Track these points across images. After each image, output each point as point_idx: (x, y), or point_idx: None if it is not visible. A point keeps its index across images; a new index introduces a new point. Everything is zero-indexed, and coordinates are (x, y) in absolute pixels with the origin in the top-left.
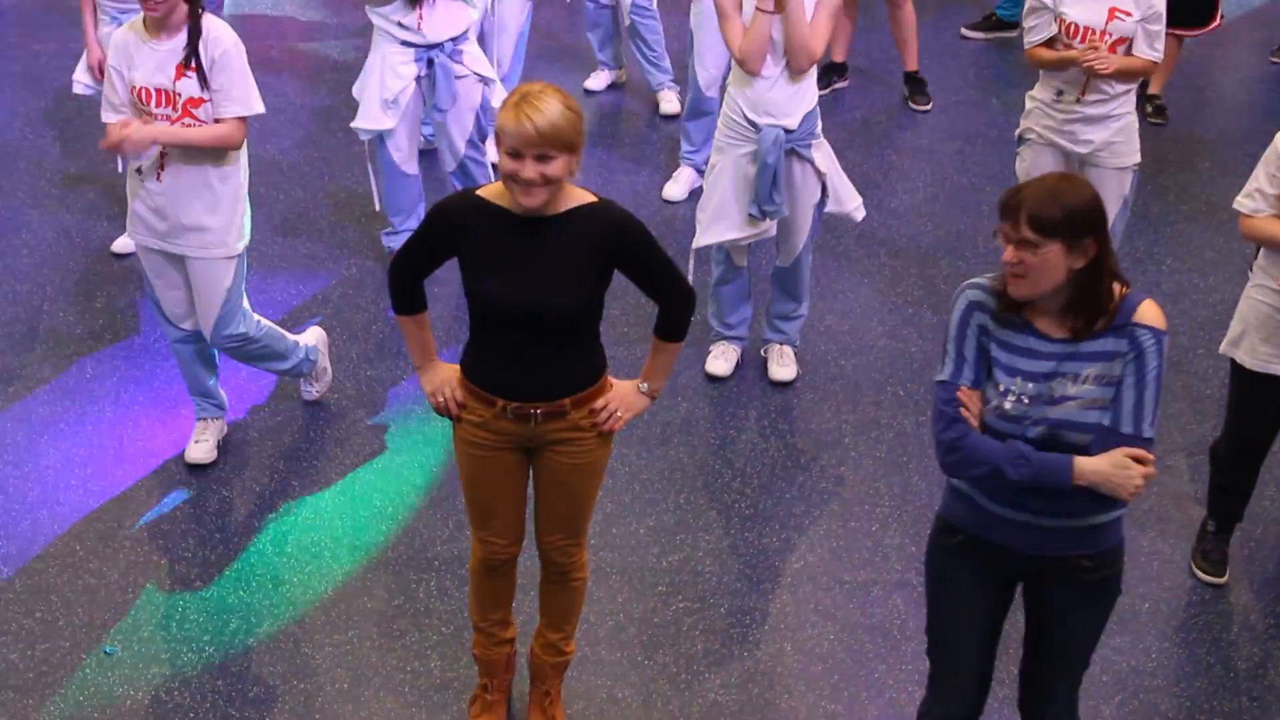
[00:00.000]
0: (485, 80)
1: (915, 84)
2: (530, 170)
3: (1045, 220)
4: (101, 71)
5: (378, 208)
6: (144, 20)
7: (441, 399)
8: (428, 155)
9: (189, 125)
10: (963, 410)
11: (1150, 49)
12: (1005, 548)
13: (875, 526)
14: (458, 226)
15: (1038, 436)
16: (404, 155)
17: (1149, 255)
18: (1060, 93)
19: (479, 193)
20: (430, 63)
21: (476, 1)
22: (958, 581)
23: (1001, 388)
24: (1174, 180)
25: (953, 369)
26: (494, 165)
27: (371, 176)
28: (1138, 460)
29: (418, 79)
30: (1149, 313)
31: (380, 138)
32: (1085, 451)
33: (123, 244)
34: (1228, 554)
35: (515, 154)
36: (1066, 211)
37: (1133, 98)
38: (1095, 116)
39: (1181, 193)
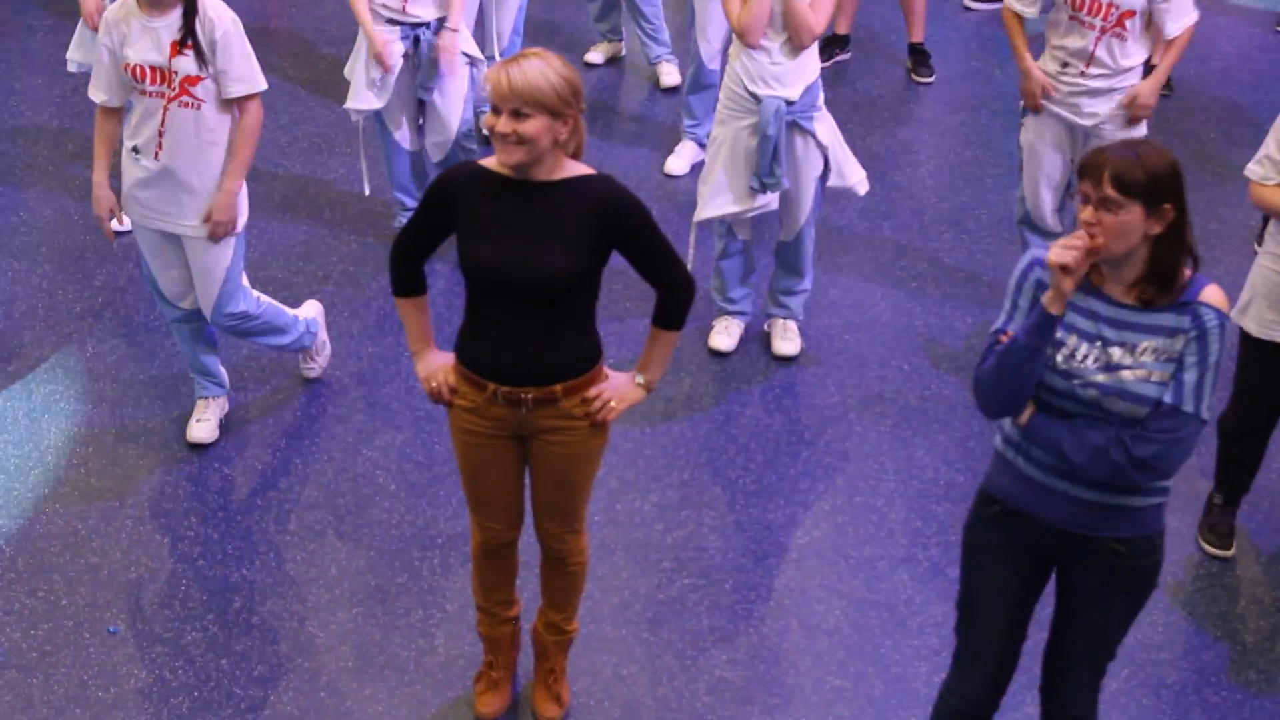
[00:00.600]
0: (473, 61)
1: (919, 55)
2: (505, 124)
3: (1128, 180)
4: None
5: (366, 192)
6: None
7: (435, 384)
8: None
9: (187, 104)
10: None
11: (1174, 24)
12: (1040, 523)
13: (880, 501)
14: (454, 193)
15: (1089, 400)
16: (404, 133)
17: None
18: (1065, 65)
19: (480, 161)
20: (417, 41)
21: None
22: (991, 552)
23: (1055, 339)
24: (1179, 151)
25: (1004, 318)
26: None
27: (362, 159)
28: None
29: (405, 57)
30: (1214, 295)
31: (378, 117)
32: (1135, 422)
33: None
34: (1235, 528)
35: (496, 109)
36: (1149, 173)
37: (1139, 71)
38: (1101, 90)
39: (1186, 164)
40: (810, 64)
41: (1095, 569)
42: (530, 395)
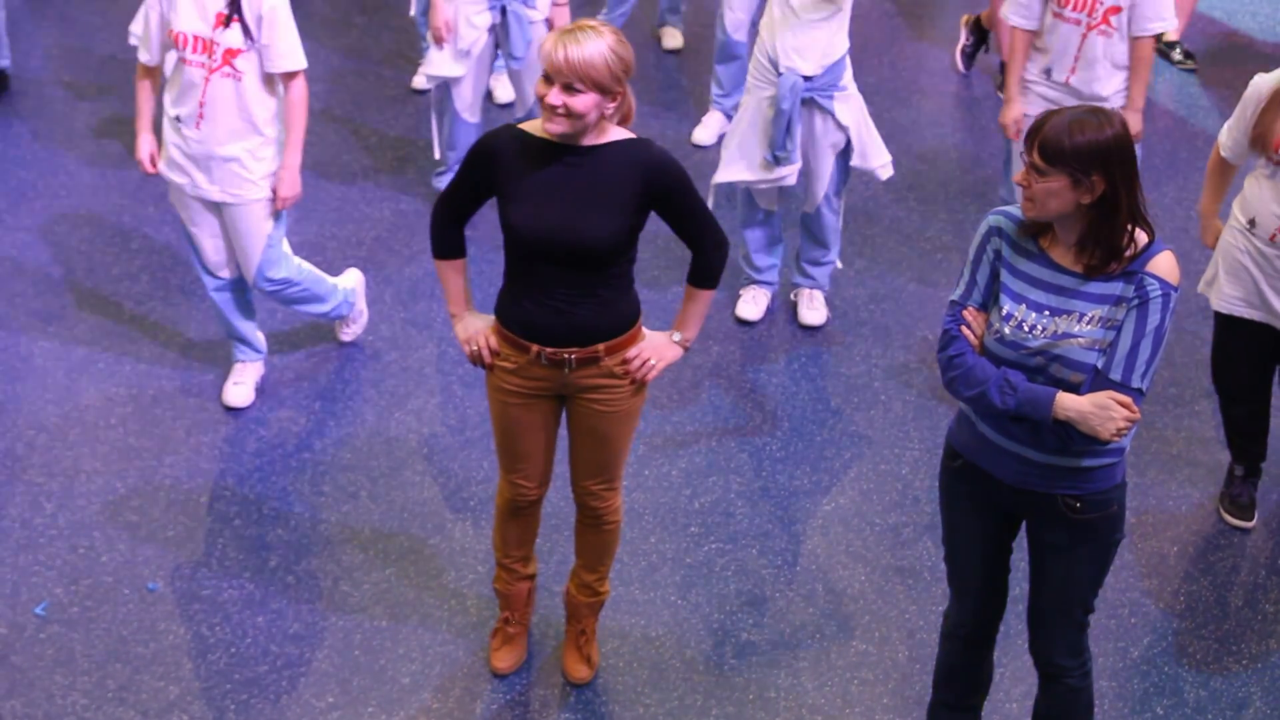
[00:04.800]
0: None
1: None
2: (555, 97)
3: (1052, 150)
4: None
5: (438, 156)
6: None
7: (475, 347)
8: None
9: (228, 75)
10: (964, 329)
11: (1142, 22)
12: (996, 479)
13: (905, 469)
14: (495, 157)
15: (1035, 366)
16: (466, 104)
17: (1177, 201)
18: (1049, 71)
19: (520, 125)
20: (504, 11)
21: None
22: (959, 504)
23: (1005, 311)
24: (1201, 126)
25: (964, 290)
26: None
27: (434, 125)
28: (1122, 405)
29: (491, 28)
30: (1164, 264)
31: (447, 84)
32: (1078, 390)
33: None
34: (1255, 499)
35: (547, 78)
36: (1074, 146)
37: (1124, 77)
38: (1088, 96)
39: (1210, 138)
40: (834, 42)
41: (1054, 524)
42: (574, 355)
